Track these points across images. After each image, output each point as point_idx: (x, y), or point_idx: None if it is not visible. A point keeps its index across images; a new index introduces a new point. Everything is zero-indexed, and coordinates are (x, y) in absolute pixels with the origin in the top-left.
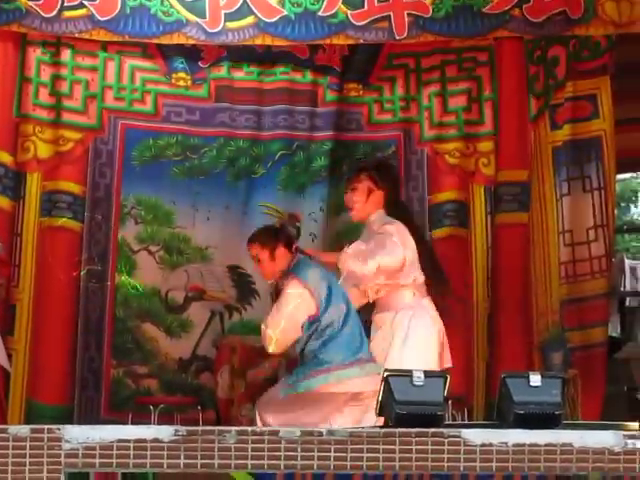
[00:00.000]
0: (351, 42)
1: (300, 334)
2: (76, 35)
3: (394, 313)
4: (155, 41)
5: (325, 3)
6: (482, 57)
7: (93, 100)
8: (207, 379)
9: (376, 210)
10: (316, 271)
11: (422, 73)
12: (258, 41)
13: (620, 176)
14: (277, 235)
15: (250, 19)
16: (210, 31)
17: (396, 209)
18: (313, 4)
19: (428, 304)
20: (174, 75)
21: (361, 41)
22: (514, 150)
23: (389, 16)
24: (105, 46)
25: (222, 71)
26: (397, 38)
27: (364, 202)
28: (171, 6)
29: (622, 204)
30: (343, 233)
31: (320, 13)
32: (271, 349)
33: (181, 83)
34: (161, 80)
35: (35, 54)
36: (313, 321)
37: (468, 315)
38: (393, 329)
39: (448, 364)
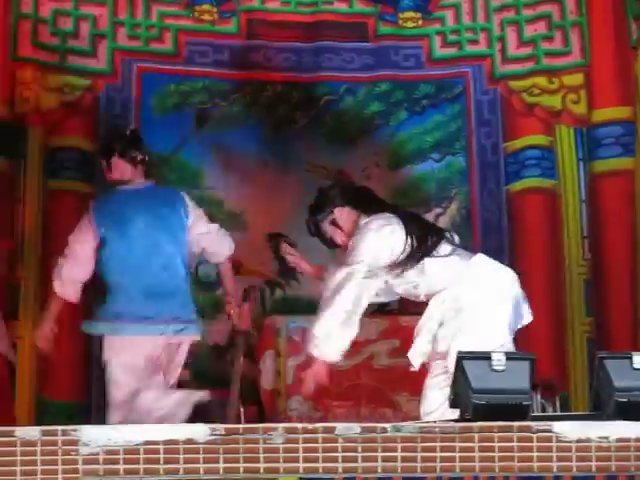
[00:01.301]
0: None
1: None
2: None
3: None
4: None
5: None
6: None
7: (102, 39)
8: (247, 368)
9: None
10: None
11: None
12: None
13: None
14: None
15: None
16: None
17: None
18: None
19: None
20: (197, 8)
21: None
22: (613, 83)
23: None
24: None
25: (254, 2)
26: None
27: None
28: None
29: None
30: (402, 191)
31: None
32: None
33: (206, 17)
34: (182, 14)
35: None
36: None
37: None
38: None
39: None
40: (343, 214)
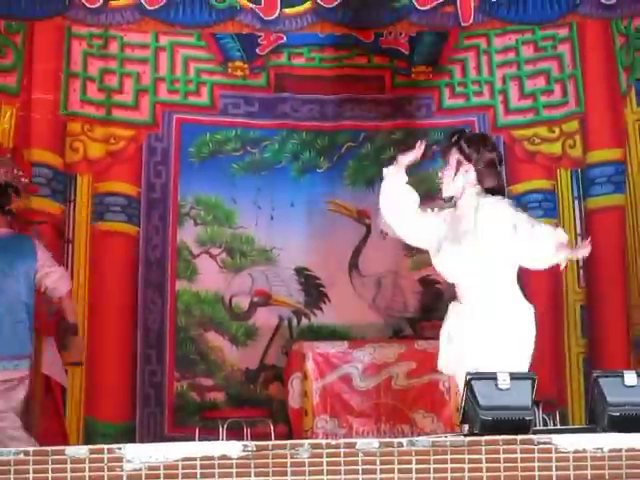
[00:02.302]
0: (415, 30)
1: None
2: (123, 26)
3: None
4: (208, 30)
5: None
6: (562, 32)
7: (145, 94)
8: (277, 389)
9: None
10: None
11: (496, 53)
12: (317, 29)
13: None
14: None
15: (308, 4)
16: (266, 18)
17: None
18: None
19: None
20: (230, 64)
21: (425, 28)
22: (605, 127)
23: (454, 0)
24: (156, 36)
25: (281, 58)
26: (463, 24)
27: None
28: None
29: None
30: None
31: None
32: None
33: (238, 72)
34: (217, 70)
35: (81, 47)
36: None
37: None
38: None
39: None
40: (467, 169)
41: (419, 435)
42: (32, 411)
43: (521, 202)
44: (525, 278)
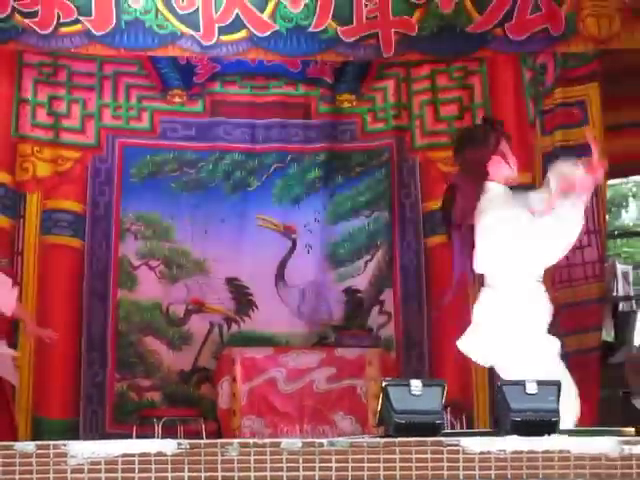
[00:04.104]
0: (340, 59)
1: None
2: (72, 50)
3: None
4: (150, 53)
5: (315, 19)
6: (473, 66)
7: (91, 119)
8: (208, 390)
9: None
10: None
11: (413, 82)
12: (251, 55)
13: (610, 182)
14: None
15: (243, 33)
16: (204, 44)
17: None
18: (303, 19)
19: None
20: (169, 92)
21: (350, 58)
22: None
23: (377, 33)
24: (101, 65)
25: (216, 86)
26: (385, 56)
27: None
28: (166, 19)
29: (613, 209)
30: (338, 244)
31: (311, 29)
32: None
33: (177, 99)
34: (157, 97)
35: (32, 75)
36: None
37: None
38: None
39: None
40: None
41: (339, 436)
42: None
43: (435, 218)
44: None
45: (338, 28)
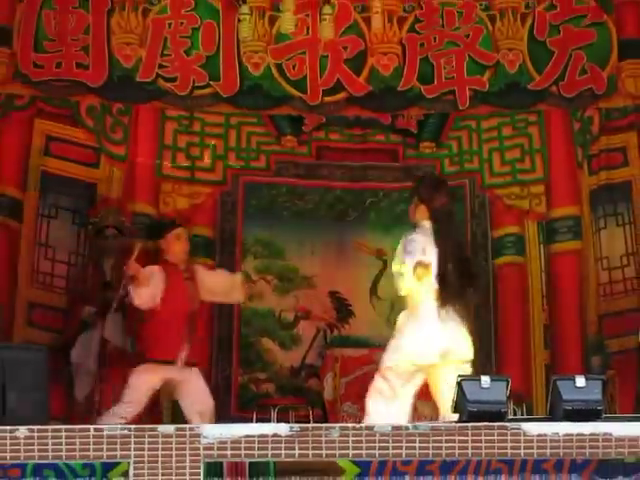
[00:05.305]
0: (423, 112)
1: None
2: (204, 109)
3: None
4: (266, 112)
5: (403, 80)
6: (532, 117)
7: (219, 161)
8: (315, 383)
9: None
10: None
11: (482, 132)
12: (349, 112)
13: None
14: None
15: (343, 94)
16: (311, 104)
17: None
18: (393, 81)
19: None
20: (282, 138)
21: (431, 111)
22: (566, 190)
23: (454, 90)
24: (227, 118)
25: (322, 134)
26: (460, 108)
27: (412, 212)
28: (279, 84)
29: None
30: None
31: (399, 88)
32: None
33: (288, 144)
34: (272, 142)
35: (173, 127)
36: None
37: (525, 326)
38: None
39: None
40: None
41: (419, 417)
42: None
43: (501, 242)
44: (501, 306)
45: (421, 87)
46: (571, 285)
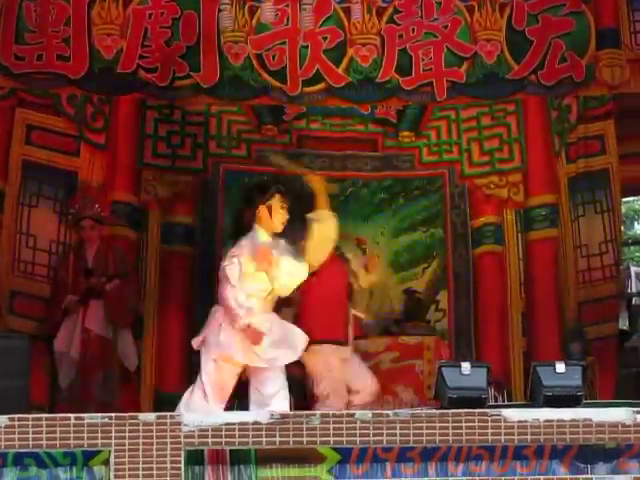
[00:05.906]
0: (402, 104)
1: None
2: (184, 100)
3: None
4: (247, 103)
5: (381, 72)
6: (510, 107)
7: (199, 149)
8: (296, 371)
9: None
10: None
11: (462, 122)
12: (329, 102)
13: (624, 199)
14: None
15: (322, 85)
16: (290, 95)
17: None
18: (372, 72)
19: None
20: (263, 127)
21: (410, 103)
22: (543, 178)
23: (432, 82)
24: (208, 106)
25: (302, 124)
26: (438, 99)
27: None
28: (259, 75)
29: (626, 221)
30: (400, 253)
31: (377, 80)
32: None
33: (269, 133)
34: (253, 131)
35: (153, 115)
36: None
37: (504, 315)
38: None
39: None
40: None
41: (400, 404)
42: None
43: (480, 232)
44: (483, 291)
45: (400, 79)
46: (549, 273)
